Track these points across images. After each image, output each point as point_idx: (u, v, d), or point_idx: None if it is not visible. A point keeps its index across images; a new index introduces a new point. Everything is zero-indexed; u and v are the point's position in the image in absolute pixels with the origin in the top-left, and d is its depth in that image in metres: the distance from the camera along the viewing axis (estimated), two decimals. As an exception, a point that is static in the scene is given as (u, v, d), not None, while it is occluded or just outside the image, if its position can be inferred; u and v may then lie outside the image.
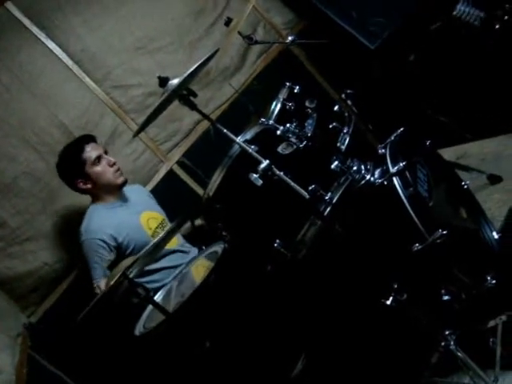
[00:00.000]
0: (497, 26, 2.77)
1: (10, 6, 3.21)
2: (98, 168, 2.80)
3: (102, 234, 2.70)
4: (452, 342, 2.01)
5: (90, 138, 2.90)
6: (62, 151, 2.87)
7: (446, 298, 2.06)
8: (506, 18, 2.72)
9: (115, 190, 2.90)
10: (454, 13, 2.82)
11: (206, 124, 3.63)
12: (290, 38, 2.87)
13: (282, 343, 2.30)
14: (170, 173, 3.58)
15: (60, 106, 3.28)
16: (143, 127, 2.18)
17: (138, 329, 2.29)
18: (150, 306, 2.34)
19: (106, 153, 2.89)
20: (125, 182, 2.91)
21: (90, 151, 2.81)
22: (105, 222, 2.75)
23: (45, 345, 2.76)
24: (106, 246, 2.69)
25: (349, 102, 2.69)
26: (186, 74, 1.92)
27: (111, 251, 2.70)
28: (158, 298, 2.48)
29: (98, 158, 2.81)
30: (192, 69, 1.96)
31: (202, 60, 2.01)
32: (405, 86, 3.78)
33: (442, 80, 3.72)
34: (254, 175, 1.87)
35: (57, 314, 3.04)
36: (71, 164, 2.81)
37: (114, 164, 2.86)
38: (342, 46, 3.66)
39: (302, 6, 4.11)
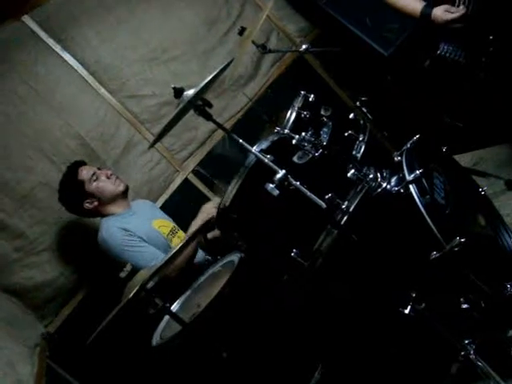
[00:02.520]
0: (483, 59, 2.79)
1: (26, 19, 3.28)
2: (98, 183, 2.83)
3: (123, 230, 2.72)
4: (472, 351, 1.98)
5: (80, 163, 2.94)
6: (59, 185, 2.89)
7: (464, 306, 2.03)
8: (491, 49, 2.75)
9: (121, 200, 2.92)
10: (439, 52, 2.84)
11: (221, 133, 3.65)
12: (303, 47, 2.86)
13: (300, 353, 2.29)
14: (186, 182, 3.60)
15: (76, 117, 3.32)
16: (159, 138, 2.19)
17: (155, 339, 2.29)
18: (167, 316, 2.34)
19: (99, 169, 2.93)
20: (127, 188, 2.94)
21: (85, 171, 2.85)
22: (123, 225, 2.76)
23: (63, 355, 2.78)
24: (133, 235, 2.72)
25: (364, 110, 2.68)
26: (201, 85, 1.92)
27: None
28: (174, 307, 2.48)
29: (94, 175, 2.84)
30: (207, 80, 1.96)
31: (216, 71, 2.01)
32: (420, 92, 3.76)
33: (456, 86, 3.69)
34: (271, 185, 1.87)
35: (74, 324, 3.06)
36: (72, 189, 2.84)
37: (112, 175, 2.90)
38: (355, 54, 3.65)
39: (315, 14, 4.11)
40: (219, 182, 3.53)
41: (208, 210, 2.92)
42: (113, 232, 2.73)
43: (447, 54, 2.78)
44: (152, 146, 2.29)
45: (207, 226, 2.64)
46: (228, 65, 2.16)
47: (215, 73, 2.00)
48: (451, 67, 2.86)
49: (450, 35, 2.78)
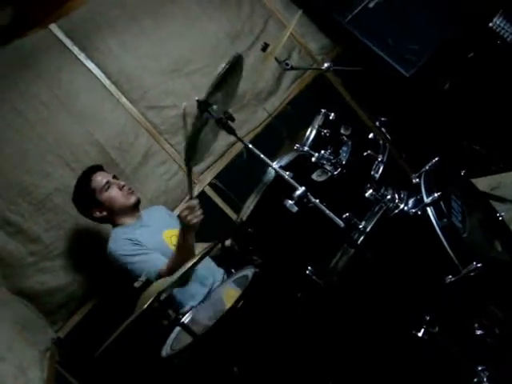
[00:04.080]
0: None
1: (53, 27, 3.34)
2: (109, 193, 2.83)
3: (130, 240, 2.72)
4: (485, 379, 1.96)
5: (96, 168, 2.94)
6: (74, 188, 2.90)
7: (479, 332, 2.02)
8: None
9: (131, 211, 2.91)
10: (491, 24, 2.79)
11: (239, 146, 3.66)
12: (325, 65, 2.88)
13: (310, 371, 2.27)
14: (202, 194, 3.59)
15: (96, 125, 3.35)
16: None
17: (165, 350, 2.29)
18: (178, 328, 2.34)
19: (114, 177, 2.92)
20: (138, 201, 2.93)
21: (98, 179, 2.85)
22: (130, 236, 2.76)
23: (72, 361, 2.78)
24: (140, 244, 2.72)
25: (383, 130, 2.69)
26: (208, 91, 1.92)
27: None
28: (185, 319, 2.48)
29: (107, 184, 2.84)
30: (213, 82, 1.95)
31: (221, 69, 1.99)
32: (439, 114, 3.76)
33: (476, 109, 3.69)
34: (290, 202, 1.87)
35: (84, 331, 3.06)
36: (83, 195, 2.85)
37: (124, 186, 2.89)
38: (377, 73, 3.66)
39: (338, 32, 4.14)
40: (235, 195, 3.53)
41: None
42: (120, 243, 2.74)
43: (498, 29, 2.71)
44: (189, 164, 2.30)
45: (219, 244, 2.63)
46: (236, 65, 2.14)
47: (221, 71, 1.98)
48: (497, 43, 2.77)
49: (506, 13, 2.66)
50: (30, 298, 2.95)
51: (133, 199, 2.90)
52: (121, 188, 2.87)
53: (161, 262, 2.62)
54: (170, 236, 2.91)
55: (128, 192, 2.89)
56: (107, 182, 2.84)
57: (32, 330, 2.64)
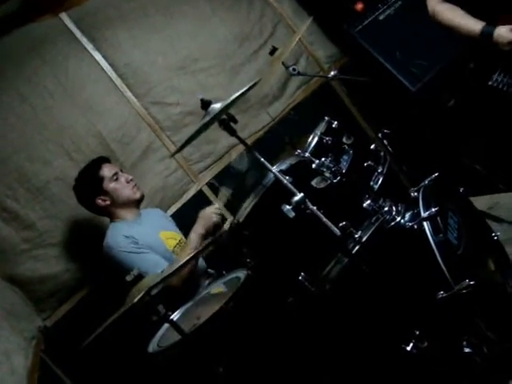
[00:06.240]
0: None
1: (63, 16, 3.35)
2: (116, 184, 2.84)
3: (128, 237, 2.71)
4: (470, 397, 1.96)
5: (105, 159, 2.96)
6: (78, 174, 2.90)
7: (467, 350, 2.02)
8: None
9: (133, 206, 2.93)
10: (490, 83, 2.77)
11: (239, 149, 3.66)
12: (332, 73, 2.88)
13: (298, 379, 2.27)
14: (200, 193, 3.60)
15: (99, 117, 3.35)
16: (181, 149, 2.20)
17: (152, 346, 2.28)
18: (166, 325, 2.33)
19: (121, 171, 2.94)
20: (142, 197, 2.94)
21: (108, 169, 2.87)
22: (129, 233, 2.76)
23: (57, 350, 2.76)
24: (138, 242, 2.72)
25: (385, 142, 2.69)
26: (228, 101, 1.93)
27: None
28: (174, 317, 2.47)
29: (116, 175, 2.86)
30: (235, 96, 1.97)
31: (245, 88, 2.02)
32: (442, 130, 3.76)
33: (479, 127, 3.69)
34: (287, 207, 1.87)
35: (72, 321, 3.05)
36: (89, 182, 2.85)
37: (131, 180, 2.91)
38: (382, 85, 3.67)
39: (346, 42, 4.15)
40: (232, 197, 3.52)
41: (207, 216, 2.88)
42: (118, 239, 2.73)
43: (500, 86, 2.70)
44: (173, 155, 2.30)
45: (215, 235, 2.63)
46: (257, 83, 2.17)
47: (244, 89, 2.01)
48: (501, 99, 2.76)
49: (505, 64, 2.65)
50: (21, 284, 2.93)
51: (138, 194, 2.91)
52: (128, 181, 2.89)
53: (161, 265, 2.64)
54: (166, 238, 2.92)
55: (134, 186, 2.91)
56: (116, 173, 2.87)
57: (18, 317, 2.63)
